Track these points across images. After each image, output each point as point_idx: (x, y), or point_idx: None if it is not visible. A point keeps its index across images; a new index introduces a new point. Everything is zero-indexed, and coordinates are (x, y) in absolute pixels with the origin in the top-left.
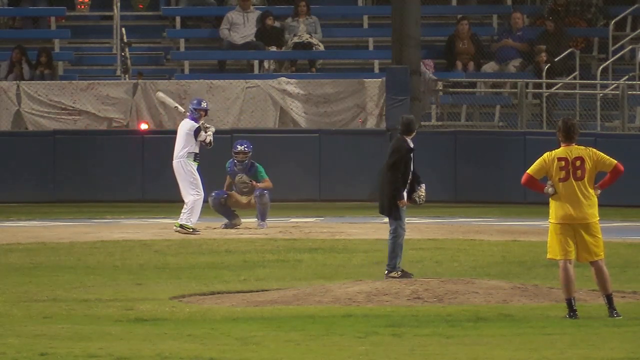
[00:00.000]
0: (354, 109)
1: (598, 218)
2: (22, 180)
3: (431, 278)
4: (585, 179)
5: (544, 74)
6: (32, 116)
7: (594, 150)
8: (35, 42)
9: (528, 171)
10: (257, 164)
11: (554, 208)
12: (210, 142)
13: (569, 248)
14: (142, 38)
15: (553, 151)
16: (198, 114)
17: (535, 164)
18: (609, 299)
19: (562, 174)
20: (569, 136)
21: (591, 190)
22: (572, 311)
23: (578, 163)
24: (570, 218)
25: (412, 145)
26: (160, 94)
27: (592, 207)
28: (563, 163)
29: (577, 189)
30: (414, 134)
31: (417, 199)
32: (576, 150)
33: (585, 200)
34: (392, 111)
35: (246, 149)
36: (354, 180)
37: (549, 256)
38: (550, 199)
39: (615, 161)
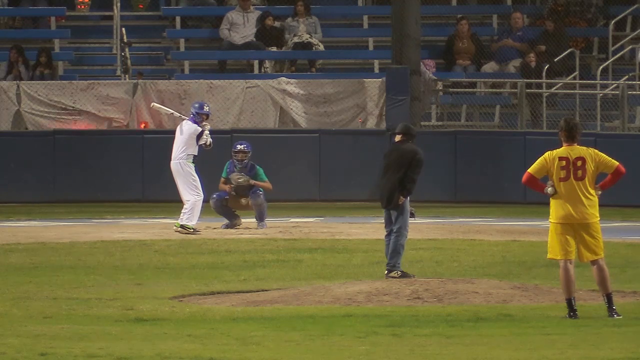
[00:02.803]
0: (354, 109)
1: (598, 218)
2: (22, 180)
3: (431, 278)
4: (586, 179)
5: (543, 73)
6: (32, 116)
7: (596, 151)
8: (35, 42)
9: (529, 170)
10: (257, 166)
11: (554, 208)
12: (210, 143)
13: (569, 248)
14: (142, 38)
15: (554, 150)
16: (200, 117)
17: (536, 163)
18: (609, 298)
19: (563, 173)
20: (571, 136)
21: (592, 191)
22: (572, 311)
23: (579, 163)
24: (571, 218)
25: None
26: (156, 105)
27: (593, 207)
28: (564, 162)
29: (577, 188)
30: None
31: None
32: (578, 150)
33: (585, 200)
34: (392, 111)
35: (246, 148)
36: (354, 180)
37: (549, 256)
38: (550, 198)
39: (617, 162)
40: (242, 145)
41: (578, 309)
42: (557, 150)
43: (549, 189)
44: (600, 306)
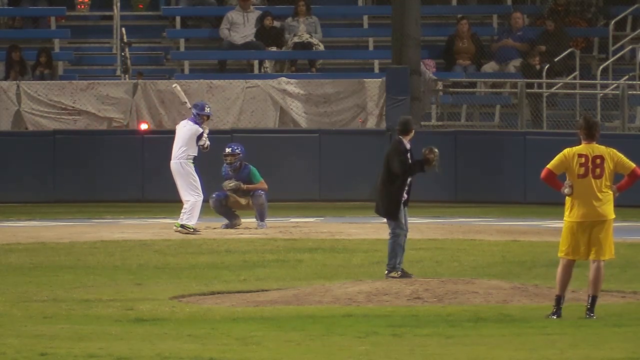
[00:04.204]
0: (354, 109)
1: (614, 217)
2: (22, 180)
3: (431, 278)
4: (604, 178)
5: (544, 73)
6: (32, 116)
7: (615, 151)
8: (35, 42)
9: (548, 166)
10: (251, 166)
11: (571, 206)
12: (208, 146)
13: (579, 249)
14: (142, 38)
15: (573, 147)
16: (201, 118)
17: (555, 159)
18: (594, 300)
19: (581, 170)
20: (591, 134)
21: (608, 190)
22: (557, 308)
23: (598, 161)
24: (587, 216)
25: (408, 146)
26: (178, 87)
27: (608, 205)
28: (583, 160)
29: (594, 186)
30: (412, 134)
31: (435, 164)
32: (597, 148)
33: (602, 198)
34: (392, 111)
35: (232, 151)
36: (354, 180)
37: (560, 254)
38: (567, 197)
39: (634, 165)
40: (229, 148)
41: (579, 309)
42: (577, 147)
43: (566, 190)
44: (600, 306)
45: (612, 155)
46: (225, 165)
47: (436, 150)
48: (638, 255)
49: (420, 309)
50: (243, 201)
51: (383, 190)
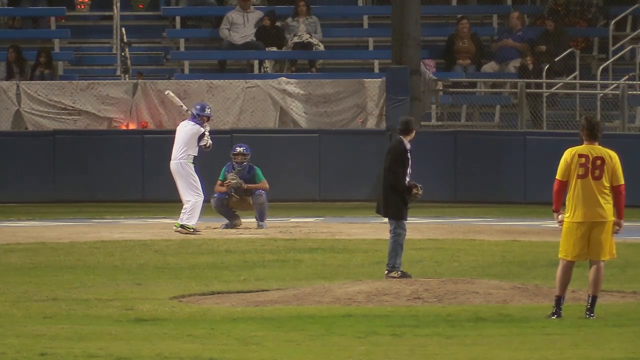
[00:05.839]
0: (354, 109)
1: (613, 219)
2: (22, 180)
3: (431, 278)
4: (603, 179)
5: (544, 73)
6: (32, 116)
7: (616, 156)
8: (35, 42)
9: (557, 177)
10: (256, 167)
11: (571, 206)
12: (210, 145)
13: (580, 250)
14: (142, 38)
15: (574, 147)
16: (201, 119)
17: (559, 167)
18: (594, 300)
19: (581, 170)
20: (593, 134)
21: (608, 191)
22: (558, 309)
23: (598, 162)
24: (586, 216)
25: (408, 146)
26: (171, 93)
27: (608, 206)
28: (583, 160)
29: (594, 187)
30: (413, 134)
31: (413, 199)
32: (598, 150)
33: (601, 199)
34: (392, 111)
35: (245, 151)
36: (354, 180)
37: (560, 255)
38: (567, 197)
39: (623, 182)
40: (242, 148)
41: (579, 309)
42: (578, 147)
43: (560, 216)
44: (600, 307)
45: (610, 161)
46: (229, 164)
47: (422, 191)
48: (638, 255)
49: (420, 309)
50: (244, 201)
51: (384, 190)
